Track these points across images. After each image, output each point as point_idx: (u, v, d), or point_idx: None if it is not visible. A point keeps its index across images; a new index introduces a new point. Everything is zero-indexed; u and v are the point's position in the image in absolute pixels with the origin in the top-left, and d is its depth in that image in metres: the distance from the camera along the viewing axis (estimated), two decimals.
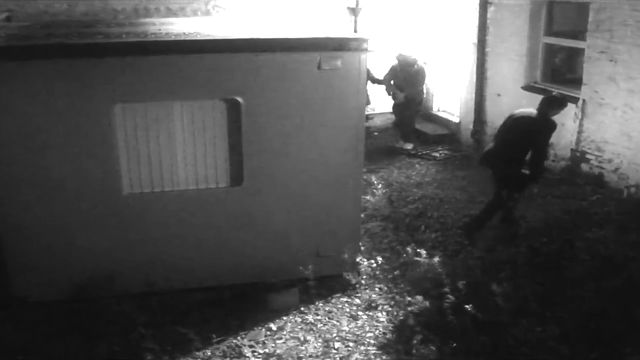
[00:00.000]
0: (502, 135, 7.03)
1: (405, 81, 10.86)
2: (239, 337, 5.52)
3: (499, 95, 10.27)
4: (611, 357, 4.95)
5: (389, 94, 11.16)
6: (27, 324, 5.51)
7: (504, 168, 6.96)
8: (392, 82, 10.98)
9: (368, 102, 10.70)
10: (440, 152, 10.83)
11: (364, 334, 5.60)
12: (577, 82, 8.81)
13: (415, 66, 10.85)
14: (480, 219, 7.24)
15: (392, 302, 6.05)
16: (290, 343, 5.47)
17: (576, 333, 5.16)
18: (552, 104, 6.93)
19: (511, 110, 9.64)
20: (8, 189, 5.52)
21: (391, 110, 11.52)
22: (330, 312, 5.95)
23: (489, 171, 7.35)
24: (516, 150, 6.88)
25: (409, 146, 10.99)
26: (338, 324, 5.77)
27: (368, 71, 10.91)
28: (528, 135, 6.81)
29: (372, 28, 11.12)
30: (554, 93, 7.74)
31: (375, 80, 11.16)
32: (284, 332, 5.62)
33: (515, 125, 6.94)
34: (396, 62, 10.93)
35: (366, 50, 5.79)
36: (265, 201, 6.01)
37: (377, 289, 6.31)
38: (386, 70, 11.07)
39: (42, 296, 5.69)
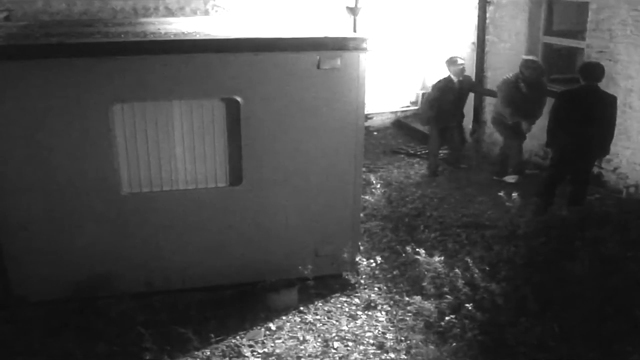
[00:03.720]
0: (591, 117, 6.92)
1: (531, 98, 8.33)
2: (238, 337, 5.52)
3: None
4: (611, 356, 4.96)
5: (510, 121, 8.38)
6: (26, 323, 5.49)
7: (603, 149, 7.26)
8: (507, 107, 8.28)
9: None
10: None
11: (363, 334, 5.60)
12: (576, 82, 8.78)
13: (544, 75, 8.52)
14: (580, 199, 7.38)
15: (391, 302, 6.06)
16: (290, 343, 5.47)
17: (576, 333, 5.16)
18: (601, 70, 7.05)
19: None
20: (7, 189, 5.50)
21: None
22: (329, 311, 5.95)
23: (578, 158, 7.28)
24: (607, 128, 7.05)
25: (513, 179, 8.80)
26: (337, 323, 5.76)
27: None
28: (612, 108, 7.03)
29: (371, 28, 11.09)
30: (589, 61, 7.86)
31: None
32: (283, 332, 5.62)
33: (600, 103, 6.97)
34: (517, 71, 8.37)
35: (365, 49, 5.79)
36: (264, 201, 6.01)
37: (376, 288, 6.31)
38: (500, 86, 8.55)
39: (41, 295, 5.68)
